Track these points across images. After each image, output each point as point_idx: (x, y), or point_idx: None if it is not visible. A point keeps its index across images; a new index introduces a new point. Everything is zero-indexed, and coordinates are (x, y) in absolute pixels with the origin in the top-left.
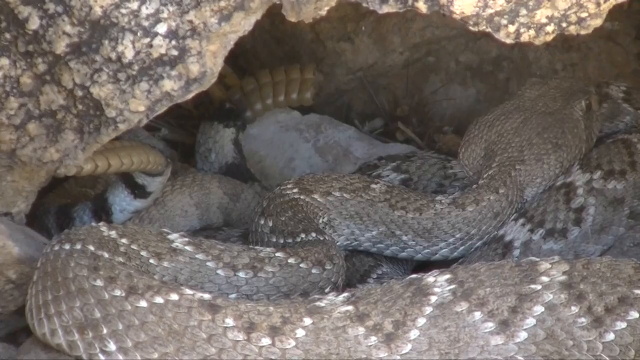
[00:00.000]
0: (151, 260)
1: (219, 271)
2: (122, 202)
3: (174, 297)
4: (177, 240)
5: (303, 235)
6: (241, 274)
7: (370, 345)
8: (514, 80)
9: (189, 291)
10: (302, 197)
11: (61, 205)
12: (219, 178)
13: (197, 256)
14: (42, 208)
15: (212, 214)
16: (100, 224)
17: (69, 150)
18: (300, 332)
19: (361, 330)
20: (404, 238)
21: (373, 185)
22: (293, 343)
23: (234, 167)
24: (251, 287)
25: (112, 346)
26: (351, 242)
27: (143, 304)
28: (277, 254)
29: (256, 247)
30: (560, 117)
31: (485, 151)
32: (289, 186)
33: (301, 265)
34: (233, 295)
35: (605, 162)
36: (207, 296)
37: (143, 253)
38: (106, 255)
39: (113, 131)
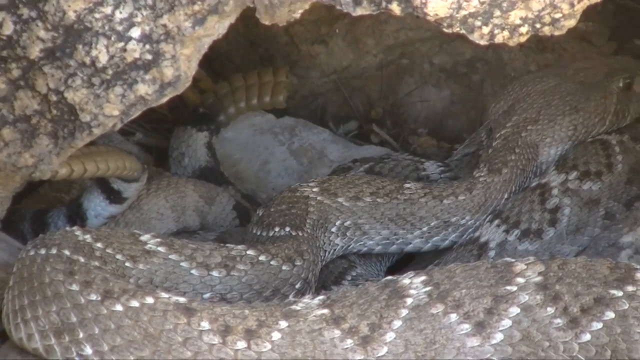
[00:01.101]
0: (127, 264)
1: (192, 271)
2: (97, 207)
3: (150, 300)
4: (150, 241)
5: (277, 229)
6: (214, 273)
7: (346, 348)
8: (489, 81)
9: (164, 295)
10: (319, 197)
11: (36, 210)
12: (194, 182)
13: (170, 257)
14: (17, 214)
15: (188, 217)
16: (75, 228)
17: (44, 155)
18: (276, 335)
19: (337, 333)
20: (462, 222)
21: (406, 185)
22: (269, 346)
23: (207, 171)
24: (225, 286)
25: (88, 350)
26: (385, 246)
27: (119, 307)
28: (248, 252)
29: (228, 245)
30: (592, 86)
31: (509, 107)
32: (310, 184)
33: (272, 262)
34: (207, 295)
35: (581, 162)
36: (182, 300)
37: (118, 256)
38: (82, 259)
39: (87, 136)
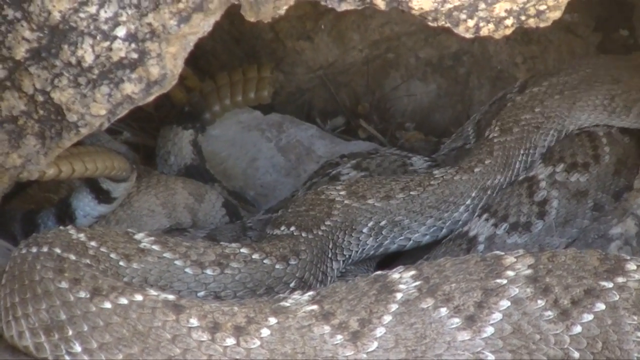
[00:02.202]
0: (121, 263)
1: (187, 269)
2: (86, 206)
3: (138, 297)
4: (144, 240)
5: (282, 228)
6: (208, 271)
7: (336, 344)
8: (475, 74)
9: (153, 292)
10: (346, 201)
11: (26, 211)
12: (183, 179)
13: (164, 255)
14: (7, 215)
15: (179, 214)
16: (69, 227)
17: (31, 156)
18: (265, 332)
19: (327, 329)
20: (495, 182)
21: (434, 171)
22: (258, 343)
23: (192, 169)
24: (219, 284)
25: (77, 347)
26: (434, 232)
27: (107, 305)
28: (241, 250)
29: (222, 243)
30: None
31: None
32: (338, 187)
33: (265, 261)
34: (202, 293)
35: (568, 155)
36: (171, 297)
37: (112, 255)
38: (73, 257)
39: (75, 135)
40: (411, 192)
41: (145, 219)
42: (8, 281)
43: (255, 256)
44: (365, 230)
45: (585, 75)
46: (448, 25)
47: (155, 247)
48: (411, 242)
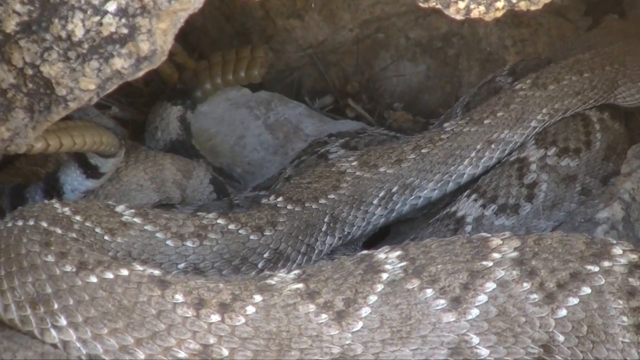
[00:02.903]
0: (105, 237)
1: (168, 242)
2: (73, 181)
3: (124, 272)
4: (125, 212)
5: (272, 198)
6: (188, 243)
7: (321, 323)
8: (464, 56)
9: (139, 267)
10: (357, 172)
11: (14, 185)
12: (172, 155)
13: (146, 228)
14: None
15: (168, 188)
16: (53, 200)
17: (20, 129)
18: (250, 309)
19: (312, 307)
20: (501, 137)
21: (445, 124)
22: (243, 320)
23: (178, 144)
24: (198, 256)
25: (63, 321)
26: (441, 188)
27: (93, 279)
28: (218, 221)
29: (200, 213)
30: None
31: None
32: (350, 158)
33: (240, 231)
34: (182, 265)
35: (561, 138)
36: (157, 272)
37: (97, 230)
38: (59, 231)
39: (63, 109)
40: (422, 151)
41: (134, 193)
42: None
43: (232, 227)
44: (375, 201)
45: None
46: (439, 6)
47: (136, 219)
48: (421, 199)
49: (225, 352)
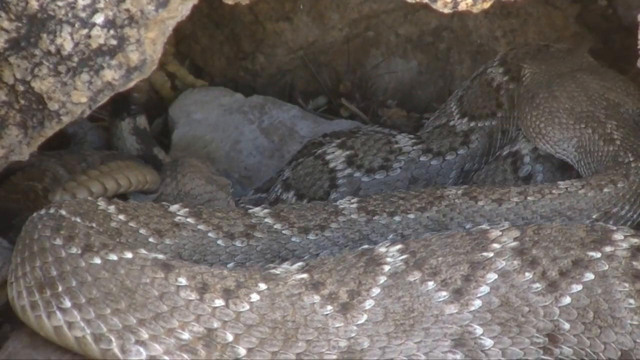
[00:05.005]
0: (151, 239)
1: (219, 241)
2: None
3: (128, 255)
4: (180, 212)
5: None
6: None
7: (327, 315)
8: (455, 49)
9: (144, 251)
10: (457, 200)
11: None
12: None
13: (199, 228)
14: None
15: None
16: (100, 198)
17: (14, 146)
18: (254, 297)
19: (317, 298)
20: (622, 213)
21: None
22: (247, 306)
23: (142, 160)
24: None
25: (67, 303)
26: None
27: (97, 260)
28: (189, 220)
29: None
30: None
31: None
32: (457, 190)
33: (199, 227)
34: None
35: None
36: (161, 256)
37: (142, 231)
38: (78, 220)
39: (57, 124)
40: (528, 197)
41: None
42: (17, 243)
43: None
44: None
45: None
46: (426, 1)
47: (190, 219)
48: None
49: (230, 337)
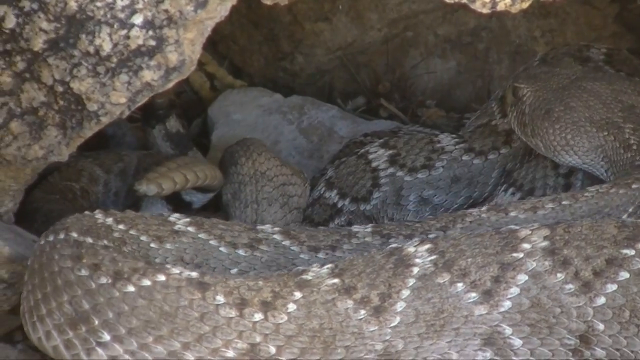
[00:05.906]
0: (152, 245)
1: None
2: None
3: (161, 278)
4: (179, 221)
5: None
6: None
7: (361, 319)
8: (494, 49)
9: (175, 270)
10: (483, 215)
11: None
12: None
13: (199, 236)
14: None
15: None
16: (97, 211)
17: (53, 147)
18: (291, 307)
19: (350, 303)
20: None
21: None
22: (285, 318)
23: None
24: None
25: (106, 337)
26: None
27: (131, 288)
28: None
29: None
30: None
31: None
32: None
33: (199, 236)
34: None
35: None
36: (194, 274)
37: (143, 238)
38: (90, 240)
39: (95, 125)
40: (563, 202)
41: None
42: (30, 276)
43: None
44: None
45: None
46: (465, 1)
47: (190, 228)
48: None
49: (273, 350)
